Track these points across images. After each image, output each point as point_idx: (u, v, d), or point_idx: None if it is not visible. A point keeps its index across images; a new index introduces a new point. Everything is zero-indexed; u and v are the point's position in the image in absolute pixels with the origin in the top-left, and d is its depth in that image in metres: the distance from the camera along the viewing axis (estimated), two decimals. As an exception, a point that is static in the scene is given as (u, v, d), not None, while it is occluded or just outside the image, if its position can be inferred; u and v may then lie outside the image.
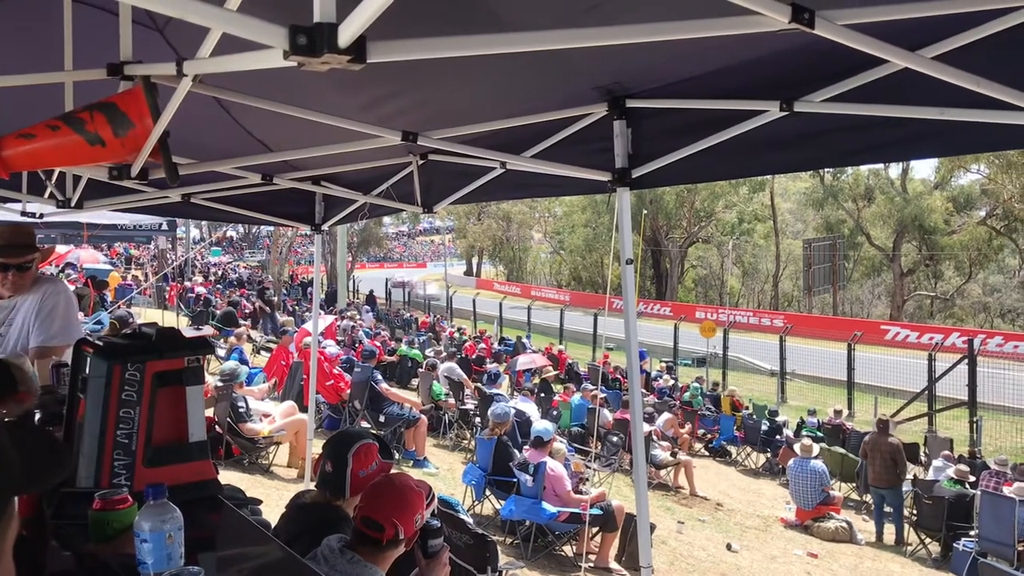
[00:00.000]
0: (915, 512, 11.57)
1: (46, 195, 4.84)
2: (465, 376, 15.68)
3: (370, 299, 40.81)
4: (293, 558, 2.19)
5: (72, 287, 15.34)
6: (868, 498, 13.00)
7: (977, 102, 2.31)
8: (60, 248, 23.26)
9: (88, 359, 2.36)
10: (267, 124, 3.83)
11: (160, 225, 24.11)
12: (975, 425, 19.39)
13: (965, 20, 2.24)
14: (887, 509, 12.17)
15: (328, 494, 3.22)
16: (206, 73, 2.27)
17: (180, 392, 2.37)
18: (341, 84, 3.11)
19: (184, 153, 3.88)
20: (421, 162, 4.68)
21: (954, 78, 2.09)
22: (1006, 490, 10.35)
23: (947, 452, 14.60)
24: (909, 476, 13.34)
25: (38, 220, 6.53)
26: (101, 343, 2.45)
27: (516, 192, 5.15)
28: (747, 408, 20.01)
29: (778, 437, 16.53)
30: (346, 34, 1.22)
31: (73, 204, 4.54)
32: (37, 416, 2.73)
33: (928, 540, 11.13)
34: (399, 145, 3.63)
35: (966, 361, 21.17)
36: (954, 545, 10.38)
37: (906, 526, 11.74)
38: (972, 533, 10.37)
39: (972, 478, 11.74)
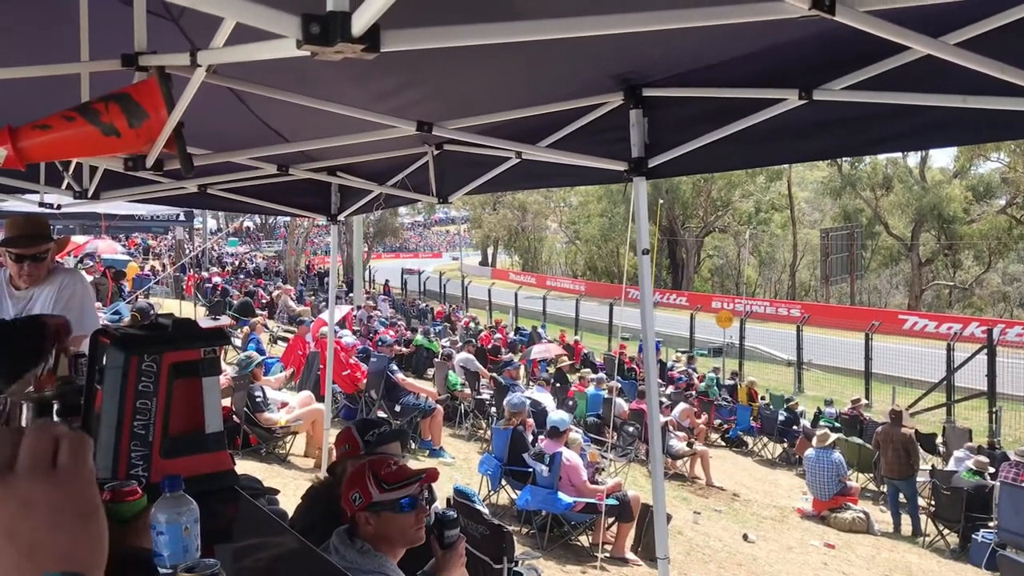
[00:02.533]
0: (933, 503, 11.50)
1: (63, 186, 4.85)
2: (481, 366, 15.68)
3: (385, 290, 40.93)
4: (309, 549, 2.19)
5: (90, 277, 15.48)
6: (885, 488, 12.94)
7: (1000, 89, 2.28)
8: (79, 239, 23.45)
9: (105, 350, 2.36)
10: (282, 114, 3.83)
11: (177, 216, 24.28)
12: (994, 416, 19.28)
13: (988, 5, 2.20)
14: (902, 500, 12.11)
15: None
16: (220, 63, 2.26)
17: (197, 383, 2.37)
18: (356, 74, 3.09)
19: (200, 144, 3.89)
20: (436, 152, 4.67)
21: (978, 65, 2.06)
22: (1025, 482, 10.28)
23: (969, 443, 14.50)
24: (927, 466, 13.27)
25: (56, 211, 6.57)
26: (118, 334, 2.45)
27: (531, 182, 5.13)
28: (764, 398, 19.94)
29: (795, 427, 16.47)
30: (360, 23, 1.21)
31: (90, 195, 4.55)
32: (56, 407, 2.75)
33: (946, 531, 11.07)
34: (414, 135, 3.62)
35: (985, 351, 21.01)
36: (973, 536, 10.33)
37: (923, 517, 11.67)
38: (991, 525, 10.30)
39: (991, 469, 11.65)
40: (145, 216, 22.86)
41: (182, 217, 24.22)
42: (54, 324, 2.77)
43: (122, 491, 1.84)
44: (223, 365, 10.48)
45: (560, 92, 3.50)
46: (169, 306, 18.41)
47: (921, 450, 13.37)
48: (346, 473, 2.75)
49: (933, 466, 13.56)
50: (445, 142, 4.46)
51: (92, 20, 2.40)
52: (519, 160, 4.38)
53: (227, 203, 6.07)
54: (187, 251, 31.61)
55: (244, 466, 7.69)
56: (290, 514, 3.57)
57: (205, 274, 29.95)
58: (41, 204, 6.14)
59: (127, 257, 27.93)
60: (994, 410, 19.52)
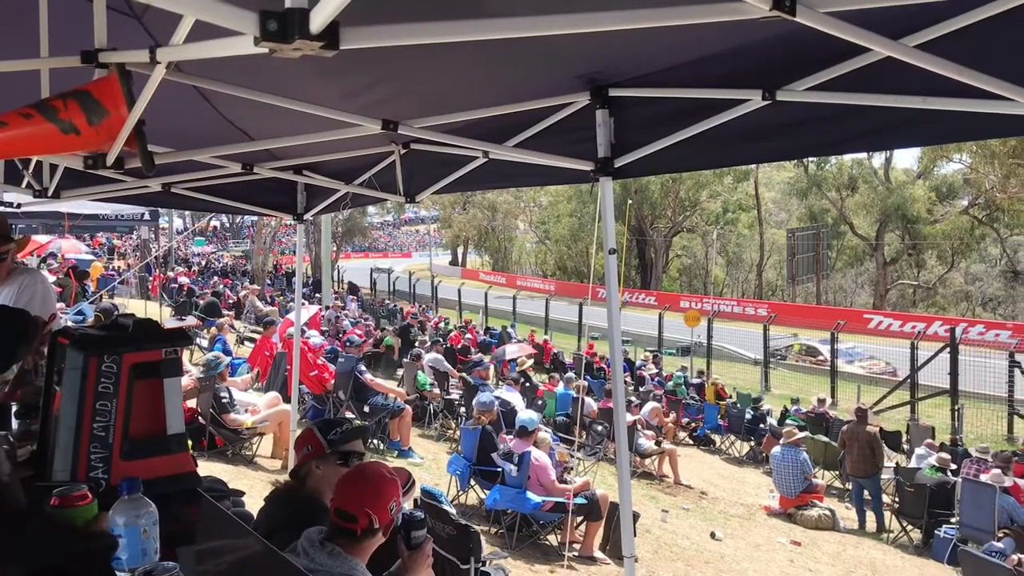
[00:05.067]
0: (897, 500, 11.66)
1: (23, 184, 4.78)
2: (450, 366, 15.64)
3: (352, 289, 40.68)
4: (271, 551, 2.17)
5: (53, 277, 15.25)
6: (850, 486, 13.09)
7: (960, 91, 2.31)
8: (41, 238, 23.07)
9: (64, 351, 2.32)
10: (247, 112, 3.79)
11: (143, 215, 23.95)
12: (957, 413, 19.58)
13: (948, 8, 2.23)
14: (867, 497, 12.26)
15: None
16: (181, 60, 2.23)
17: (158, 384, 2.34)
18: (321, 72, 3.07)
19: (164, 142, 3.84)
20: (403, 151, 4.65)
21: (937, 67, 2.08)
22: (984, 477, 10.45)
23: (929, 440, 14.71)
24: (891, 464, 13.44)
25: (16, 210, 6.47)
26: (77, 334, 2.41)
27: (499, 182, 5.12)
28: (731, 397, 20.09)
29: (762, 426, 16.61)
30: (318, 20, 1.20)
31: (50, 193, 4.48)
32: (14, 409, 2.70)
33: (910, 527, 11.23)
34: (380, 134, 3.60)
35: (948, 349, 21.34)
36: (935, 532, 10.50)
37: (888, 513, 11.82)
38: (953, 520, 10.47)
39: (953, 466, 11.85)
40: (110, 215, 22.53)
41: (147, 216, 23.87)
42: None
43: (72, 496, 1.80)
44: (188, 366, 10.37)
45: (527, 91, 3.50)
46: (134, 306, 18.16)
47: (886, 448, 13.55)
48: (365, 483, 2.71)
49: (897, 463, 13.75)
50: (412, 141, 4.44)
51: (52, 16, 2.36)
52: (486, 160, 4.37)
53: (192, 202, 6.00)
54: (152, 251, 31.24)
55: (210, 468, 7.61)
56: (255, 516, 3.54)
57: (171, 274, 29.62)
58: (0, 203, 6.05)
59: (91, 257, 27.53)
60: (956, 408, 19.83)
